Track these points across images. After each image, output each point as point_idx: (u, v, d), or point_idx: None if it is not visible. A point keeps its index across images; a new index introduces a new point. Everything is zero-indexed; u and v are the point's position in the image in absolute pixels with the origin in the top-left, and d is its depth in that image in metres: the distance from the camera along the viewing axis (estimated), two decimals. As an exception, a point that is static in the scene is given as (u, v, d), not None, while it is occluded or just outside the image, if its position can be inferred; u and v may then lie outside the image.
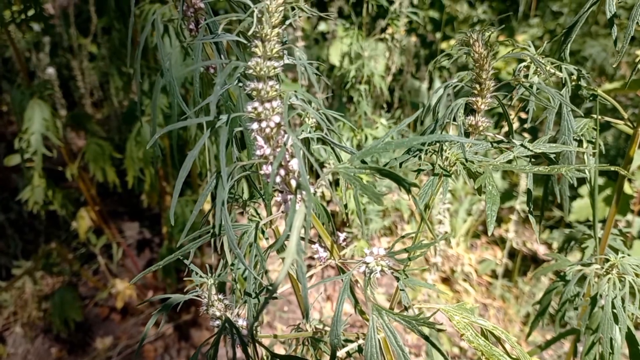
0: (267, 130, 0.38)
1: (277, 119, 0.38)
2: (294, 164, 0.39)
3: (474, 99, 0.57)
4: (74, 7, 3.96)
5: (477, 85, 0.55)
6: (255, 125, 0.38)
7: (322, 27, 3.89)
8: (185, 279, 0.60)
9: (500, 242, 2.58)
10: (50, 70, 2.10)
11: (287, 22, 0.39)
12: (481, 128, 0.58)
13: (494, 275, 2.36)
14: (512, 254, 2.48)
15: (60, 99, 2.04)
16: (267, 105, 0.38)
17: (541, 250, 2.65)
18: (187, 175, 1.49)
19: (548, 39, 4.82)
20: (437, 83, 3.23)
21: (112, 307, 1.74)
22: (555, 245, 2.60)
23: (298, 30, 2.02)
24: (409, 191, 0.37)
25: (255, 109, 0.38)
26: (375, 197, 0.36)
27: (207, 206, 1.69)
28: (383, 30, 1.62)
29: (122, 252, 1.70)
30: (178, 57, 1.09)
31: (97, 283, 1.73)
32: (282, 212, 0.42)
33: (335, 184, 2.05)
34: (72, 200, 1.64)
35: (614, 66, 0.84)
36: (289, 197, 0.40)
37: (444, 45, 4.05)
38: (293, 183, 0.40)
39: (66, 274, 1.64)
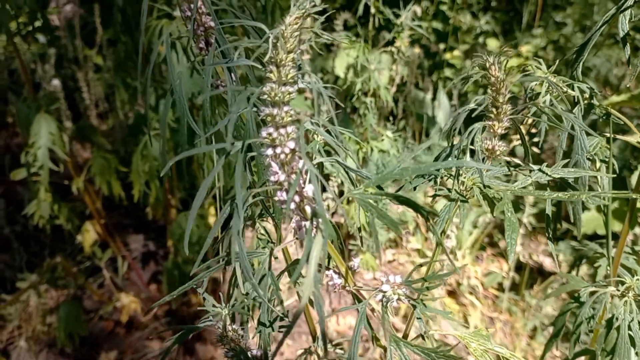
0: (282, 156, 0.38)
1: (291, 144, 0.37)
2: (310, 190, 0.38)
3: (490, 122, 0.56)
4: (79, 19, 3.99)
5: (494, 109, 0.54)
6: (269, 151, 0.38)
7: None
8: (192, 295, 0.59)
9: (507, 254, 2.56)
10: (56, 82, 2.11)
11: (302, 47, 0.38)
12: (498, 152, 0.58)
13: (500, 288, 2.34)
14: (519, 266, 2.47)
15: (65, 111, 2.04)
16: (282, 130, 0.37)
17: (547, 262, 2.63)
18: (191, 188, 1.49)
19: (552, 49, 4.83)
20: (441, 94, 3.23)
21: (117, 321, 1.73)
22: (562, 257, 2.59)
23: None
24: (427, 219, 0.36)
25: (270, 134, 0.37)
26: (393, 225, 0.35)
27: (212, 210, 1.69)
28: (389, 43, 1.63)
29: (127, 266, 1.69)
30: (185, 72, 1.09)
31: (101, 296, 1.72)
32: (297, 237, 0.41)
33: (339, 194, 2.04)
34: (77, 213, 1.64)
35: (627, 85, 0.83)
36: (303, 223, 0.40)
37: (447, 56, 4.06)
38: (308, 209, 0.39)
39: (71, 287, 1.63)
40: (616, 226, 1.75)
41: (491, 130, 0.56)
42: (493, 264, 2.47)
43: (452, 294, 2.31)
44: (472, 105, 0.58)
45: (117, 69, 1.58)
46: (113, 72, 2.76)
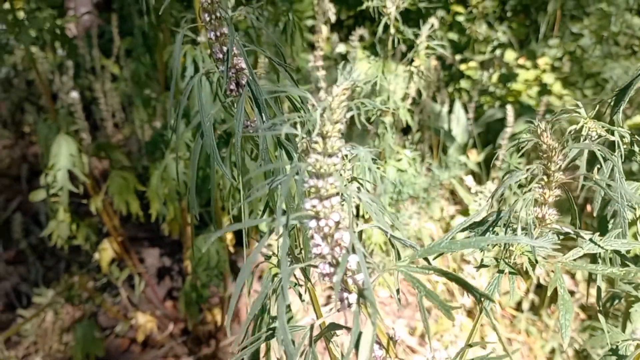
0: (326, 229, 0.36)
1: (336, 217, 0.36)
2: (353, 263, 0.37)
3: (541, 190, 0.54)
4: (97, 28, 4.01)
5: (545, 177, 0.52)
6: (313, 224, 0.36)
7: (341, 48, 3.90)
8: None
9: (524, 269, 2.52)
10: (74, 95, 2.11)
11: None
12: (548, 221, 0.56)
13: (518, 307, 2.30)
14: (538, 285, 2.43)
15: (83, 122, 2.04)
16: (327, 202, 0.36)
17: (567, 281, 2.60)
18: (207, 204, 1.47)
19: (567, 59, 4.79)
20: (458, 107, 3.20)
21: (132, 339, 1.72)
22: (579, 276, 2.55)
23: (319, 50, 2.01)
24: (480, 301, 0.35)
25: (314, 206, 0.36)
26: (444, 308, 0.34)
27: (230, 235, 1.68)
28: (409, 62, 1.61)
29: (143, 284, 1.68)
30: (208, 98, 1.08)
31: (117, 314, 1.71)
32: (338, 310, 0.40)
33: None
34: (94, 229, 1.64)
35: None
36: (345, 295, 0.38)
37: (463, 67, 4.03)
38: (350, 281, 0.38)
39: (88, 304, 1.63)
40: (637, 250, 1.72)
41: (542, 199, 0.54)
42: (510, 281, 2.42)
43: (470, 313, 2.28)
44: (521, 175, 0.56)
45: (136, 87, 1.58)
46: (130, 86, 2.77)
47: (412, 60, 1.68)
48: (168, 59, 1.35)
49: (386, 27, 1.61)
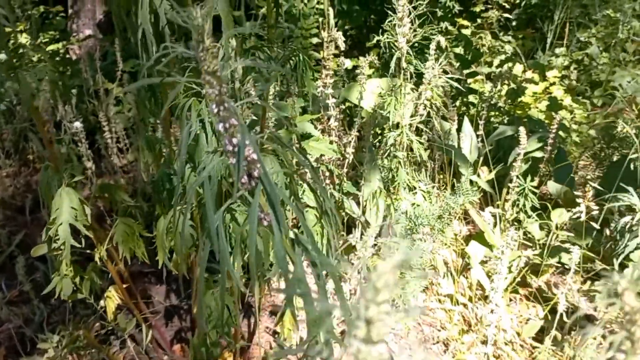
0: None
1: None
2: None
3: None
4: (99, 50, 3.97)
5: (629, 342, 0.46)
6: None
7: (347, 63, 3.83)
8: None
9: (540, 295, 2.46)
10: (77, 124, 2.06)
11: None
12: None
13: (537, 336, 2.23)
14: (553, 309, 2.36)
15: (86, 151, 1.99)
16: None
17: (583, 304, 2.52)
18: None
19: (574, 68, 4.71)
20: (466, 124, 3.13)
21: (140, 387, 1.66)
22: (598, 298, 2.47)
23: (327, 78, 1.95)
24: None
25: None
26: None
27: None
28: (420, 95, 1.55)
29: (150, 332, 1.63)
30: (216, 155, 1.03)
31: (124, 362, 1.66)
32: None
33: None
34: (99, 275, 1.58)
35: None
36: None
37: (470, 81, 3.96)
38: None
39: (93, 353, 1.57)
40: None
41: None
42: (528, 309, 2.36)
43: (486, 343, 2.20)
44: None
45: (141, 130, 1.52)
46: (135, 113, 2.73)
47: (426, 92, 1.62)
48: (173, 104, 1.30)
49: (398, 59, 1.55)
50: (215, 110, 0.54)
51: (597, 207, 1.66)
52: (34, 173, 3.26)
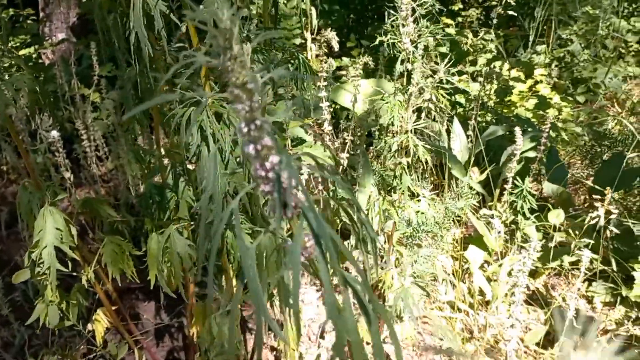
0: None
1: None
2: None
3: None
4: (74, 53, 3.82)
5: None
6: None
7: (332, 63, 3.74)
8: None
9: (540, 297, 2.41)
10: (54, 133, 1.94)
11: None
12: None
13: (543, 344, 2.17)
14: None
15: (64, 161, 1.87)
16: None
17: (582, 305, 2.48)
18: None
19: (556, 65, 4.71)
20: (456, 124, 3.07)
21: (132, 415, 1.56)
22: (597, 299, 2.43)
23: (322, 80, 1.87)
24: None
25: None
26: None
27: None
28: (425, 100, 1.48)
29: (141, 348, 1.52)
30: (219, 167, 0.93)
31: (114, 387, 1.55)
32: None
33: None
34: (85, 296, 1.47)
35: None
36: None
37: (456, 80, 3.92)
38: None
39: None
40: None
41: None
42: (529, 314, 2.31)
43: (489, 351, 2.15)
44: None
45: (128, 141, 1.42)
46: (115, 118, 2.60)
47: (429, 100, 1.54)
48: (164, 114, 1.20)
49: (402, 61, 1.47)
50: (245, 130, 0.45)
51: (617, 211, 1.61)
52: (9, 184, 3.11)
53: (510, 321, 1.47)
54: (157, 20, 0.86)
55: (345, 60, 4.27)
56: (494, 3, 5.04)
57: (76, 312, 1.25)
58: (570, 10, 5.29)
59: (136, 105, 1.18)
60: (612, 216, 1.60)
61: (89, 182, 2.82)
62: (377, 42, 1.38)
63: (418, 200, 1.59)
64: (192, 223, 1.21)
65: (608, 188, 1.59)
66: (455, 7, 5.36)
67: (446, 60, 1.45)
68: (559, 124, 3.50)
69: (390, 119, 1.40)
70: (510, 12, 4.81)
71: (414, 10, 1.40)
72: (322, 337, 1.87)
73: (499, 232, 1.89)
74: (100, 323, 1.41)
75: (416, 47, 1.34)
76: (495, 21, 5.68)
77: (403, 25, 1.35)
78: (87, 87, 3.33)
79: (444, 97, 1.43)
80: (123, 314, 1.60)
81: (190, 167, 1.33)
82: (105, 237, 1.28)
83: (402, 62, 1.39)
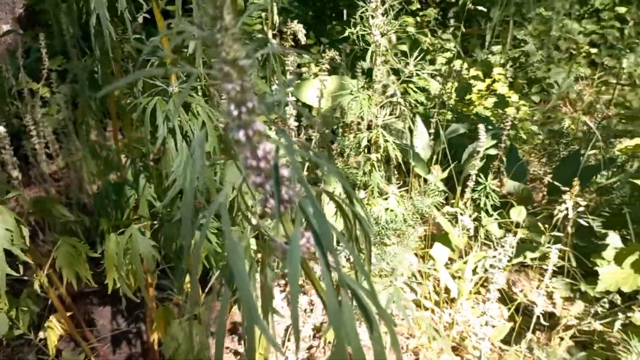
0: None
1: None
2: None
3: None
4: (21, 46, 3.63)
5: None
6: None
7: (299, 60, 3.69)
8: None
9: (503, 294, 2.42)
10: (1, 129, 1.82)
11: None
12: None
13: (507, 339, 2.18)
14: (516, 308, 2.33)
15: (11, 159, 1.76)
16: None
17: (543, 302, 2.51)
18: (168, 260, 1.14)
19: (511, 65, 4.79)
20: (419, 122, 3.07)
21: None
22: (558, 295, 2.47)
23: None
24: None
25: None
26: None
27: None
28: (392, 95, 1.44)
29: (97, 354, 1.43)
30: (186, 161, 0.87)
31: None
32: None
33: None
34: (36, 301, 1.37)
35: None
36: None
37: (416, 78, 3.93)
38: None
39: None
40: (639, 281, 1.62)
41: None
42: (493, 311, 2.31)
43: (456, 349, 2.14)
44: None
45: (83, 136, 1.33)
46: (65, 113, 2.47)
47: (395, 93, 1.51)
48: (120, 103, 1.13)
49: (371, 54, 1.44)
50: (235, 113, 0.39)
51: (585, 203, 1.62)
52: (-50, 184, 2.92)
53: (485, 319, 1.45)
54: (120, 1, 0.79)
55: (306, 57, 4.22)
56: (452, 0, 5.09)
57: (27, 320, 1.16)
58: (525, 12, 5.40)
59: (93, 97, 1.10)
60: (580, 208, 1.61)
61: (38, 181, 2.67)
62: (346, 34, 1.34)
63: (386, 198, 1.55)
64: (154, 222, 1.13)
65: (576, 180, 1.59)
66: (413, 7, 5.39)
67: (415, 54, 1.42)
68: (516, 123, 3.55)
69: (359, 114, 1.36)
70: (477, 7, 4.86)
71: (382, 2, 1.36)
72: (288, 339, 1.81)
73: (469, 229, 1.88)
74: (54, 331, 1.31)
75: (389, 40, 1.31)
76: (452, 21, 5.75)
77: (372, 17, 1.31)
78: (35, 81, 3.17)
79: (415, 92, 1.40)
80: (78, 320, 1.51)
81: (151, 162, 1.25)
82: (59, 239, 1.19)
83: (372, 55, 1.35)
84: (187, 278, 1.80)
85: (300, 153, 0.37)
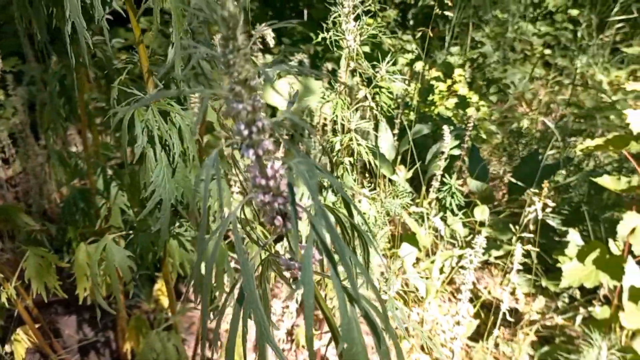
0: None
1: None
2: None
3: None
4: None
5: None
6: None
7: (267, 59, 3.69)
8: None
9: (471, 293, 2.47)
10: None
11: None
12: None
13: (473, 336, 2.23)
14: (482, 305, 2.39)
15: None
16: None
17: (506, 297, 2.58)
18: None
19: (469, 66, 4.90)
20: (383, 124, 3.10)
21: None
22: (520, 291, 2.54)
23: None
24: None
25: None
26: None
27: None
28: (364, 98, 1.46)
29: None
30: (166, 172, 0.85)
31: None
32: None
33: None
34: (2, 315, 1.33)
35: None
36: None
37: (378, 79, 3.95)
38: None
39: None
40: (600, 277, 1.69)
41: None
42: (458, 306, 2.36)
43: (425, 348, 2.18)
44: None
45: (50, 144, 1.29)
46: (22, 116, 2.39)
47: (373, 96, 1.53)
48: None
49: (345, 59, 1.45)
50: (246, 132, 0.39)
51: (553, 204, 1.67)
52: None
53: (457, 318, 1.48)
54: (97, 8, 0.77)
55: (269, 57, 4.21)
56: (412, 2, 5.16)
57: (-6, 335, 1.12)
58: (482, 14, 5.52)
59: (65, 103, 1.07)
60: (548, 209, 1.66)
61: (-7, 187, 2.58)
62: (319, 39, 1.34)
63: (359, 201, 1.57)
64: (130, 233, 1.11)
65: (546, 182, 1.64)
66: (374, 8, 5.42)
67: (388, 57, 1.44)
68: (476, 123, 3.63)
69: (333, 117, 1.36)
70: (426, 13, 4.94)
71: (355, 7, 1.37)
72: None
73: (439, 230, 1.91)
74: (21, 343, 1.27)
75: (367, 45, 1.32)
76: (411, 23, 5.83)
77: (346, 22, 1.32)
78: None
79: (388, 95, 1.42)
80: (45, 331, 1.47)
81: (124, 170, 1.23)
82: (28, 249, 1.15)
83: (345, 59, 1.36)
84: (157, 286, 1.77)
85: (315, 174, 0.37)
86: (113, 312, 1.11)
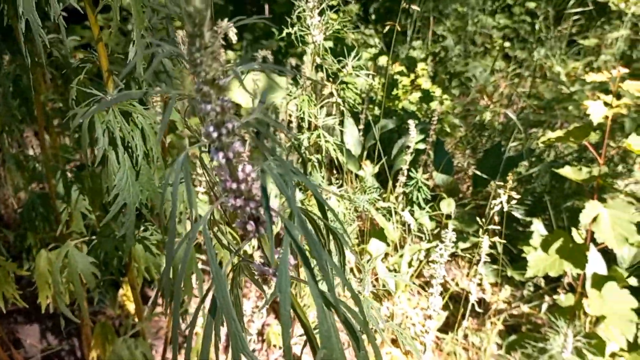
0: None
1: None
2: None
3: None
4: None
5: None
6: None
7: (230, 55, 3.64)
8: None
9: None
10: None
11: None
12: None
13: (442, 328, 2.25)
14: (450, 296, 2.42)
15: None
16: None
17: (473, 288, 2.61)
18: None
19: (431, 60, 4.94)
20: (348, 120, 3.10)
21: None
22: (487, 281, 2.58)
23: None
24: None
25: None
26: None
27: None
28: (330, 95, 1.45)
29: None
30: (130, 175, 0.82)
31: None
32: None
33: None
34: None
35: None
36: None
37: (342, 74, 3.95)
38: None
39: None
40: (565, 266, 1.72)
41: None
42: (427, 300, 2.38)
43: (395, 341, 2.19)
44: None
45: (5, 148, 1.24)
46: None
47: (333, 93, 1.52)
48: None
49: (311, 54, 1.43)
50: (215, 135, 0.37)
51: (518, 196, 1.69)
52: None
53: (428, 312, 1.48)
54: (52, 5, 0.73)
55: (230, 54, 4.16)
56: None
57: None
58: (442, 8, 5.57)
59: (21, 104, 1.02)
60: (513, 202, 1.68)
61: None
62: (283, 34, 1.32)
63: (328, 198, 1.55)
64: (93, 238, 1.07)
65: (510, 174, 1.66)
66: (334, 2, 5.42)
67: (353, 52, 1.43)
68: (440, 117, 3.67)
69: (299, 114, 1.35)
70: (388, 7, 4.96)
71: (319, 2, 1.36)
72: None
73: (409, 225, 1.92)
74: (-21, 357, 1.22)
75: (330, 40, 1.30)
76: (373, 17, 5.84)
77: (311, 17, 1.30)
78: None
79: (354, 91, 1.41)
80: (4, 342, 1.41)
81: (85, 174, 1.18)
82: (-17, 258, 1.10)
83: (311, 54, 1.34)
84: (122, 291, 1.73)
85: (291, 177, 0.35)
86: (77, 320, 1.07)
